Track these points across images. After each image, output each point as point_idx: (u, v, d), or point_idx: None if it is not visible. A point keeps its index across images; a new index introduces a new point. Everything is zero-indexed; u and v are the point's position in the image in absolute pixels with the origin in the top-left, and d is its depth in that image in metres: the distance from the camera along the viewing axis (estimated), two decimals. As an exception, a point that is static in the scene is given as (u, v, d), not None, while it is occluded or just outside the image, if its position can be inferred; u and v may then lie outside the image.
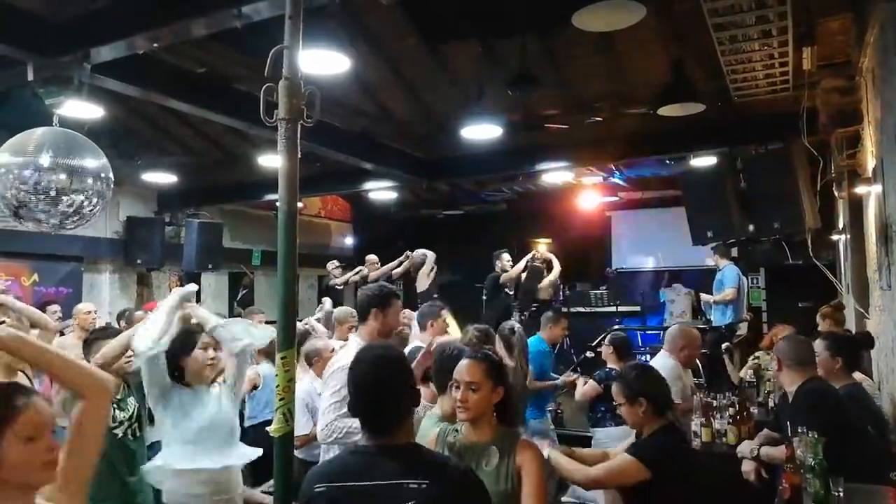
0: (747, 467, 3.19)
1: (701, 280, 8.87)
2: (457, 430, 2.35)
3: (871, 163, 4.27)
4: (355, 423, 2.12)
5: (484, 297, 7.90)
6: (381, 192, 9.71)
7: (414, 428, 2.02)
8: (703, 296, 7.60)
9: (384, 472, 1.73)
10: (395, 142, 7.52)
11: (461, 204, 10.89)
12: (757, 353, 5.75)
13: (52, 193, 3.77)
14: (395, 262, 8.34)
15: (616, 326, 8.58)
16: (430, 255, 7.96)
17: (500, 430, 2.30)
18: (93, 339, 3.34)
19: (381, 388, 1.85)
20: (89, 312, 5.87)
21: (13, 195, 3.75)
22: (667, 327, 5.65)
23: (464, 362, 2.31)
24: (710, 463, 3.69)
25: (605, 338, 5.35)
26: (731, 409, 3.95)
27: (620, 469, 2.60)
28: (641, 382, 2.74)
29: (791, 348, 3.16)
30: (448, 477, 1.78)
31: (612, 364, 4.87)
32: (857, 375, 3.68)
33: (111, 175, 4.07)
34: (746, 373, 5.54)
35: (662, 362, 4.16)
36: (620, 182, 9.82)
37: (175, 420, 2.92)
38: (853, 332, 5.33)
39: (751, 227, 5.69)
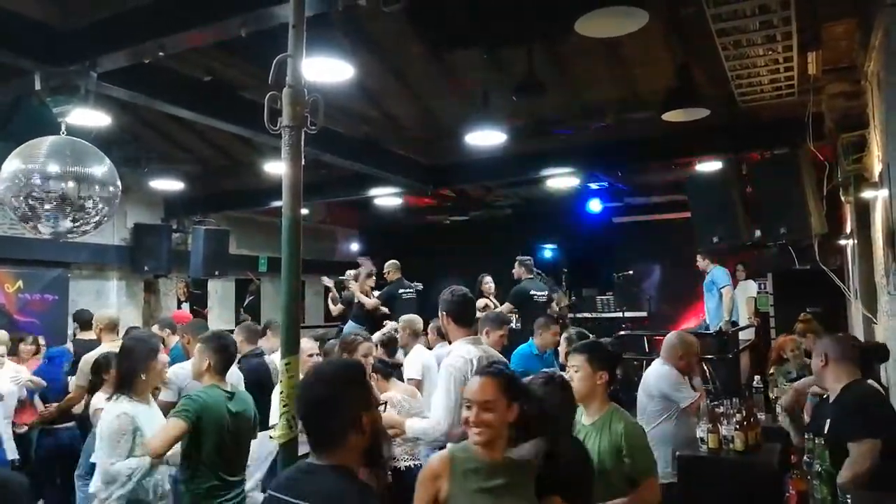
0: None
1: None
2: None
3: (877, 167, 4.26)
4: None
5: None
6: (387, 198, 9.73)
7: None
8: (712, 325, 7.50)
9: (302, 492, 1.73)
10: (399, 148, 7.54)
11: (467, 209, 10.89)
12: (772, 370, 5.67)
13: (61, 201, 3.80)
14: None
15: (622, 332, 8.55)
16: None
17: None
18: None
19: (321, 405, 1.78)
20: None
21: (22, 202, 3.78)
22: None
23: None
24: (717, 469, 3.67)
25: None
26: (738, 416, 3.91)
27: None
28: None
29: (839, 344, 3.11)
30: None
31: None
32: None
33: (118, 182, 4.10)
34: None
35: (660, 370, 4.04)
36: (625, 187, 9.81)
37: None
38: (862, 339, 5.28)
39: (757, 233, 5.66)
